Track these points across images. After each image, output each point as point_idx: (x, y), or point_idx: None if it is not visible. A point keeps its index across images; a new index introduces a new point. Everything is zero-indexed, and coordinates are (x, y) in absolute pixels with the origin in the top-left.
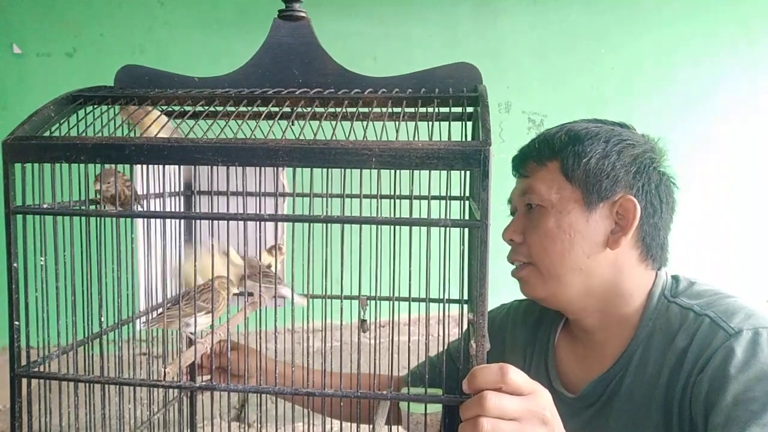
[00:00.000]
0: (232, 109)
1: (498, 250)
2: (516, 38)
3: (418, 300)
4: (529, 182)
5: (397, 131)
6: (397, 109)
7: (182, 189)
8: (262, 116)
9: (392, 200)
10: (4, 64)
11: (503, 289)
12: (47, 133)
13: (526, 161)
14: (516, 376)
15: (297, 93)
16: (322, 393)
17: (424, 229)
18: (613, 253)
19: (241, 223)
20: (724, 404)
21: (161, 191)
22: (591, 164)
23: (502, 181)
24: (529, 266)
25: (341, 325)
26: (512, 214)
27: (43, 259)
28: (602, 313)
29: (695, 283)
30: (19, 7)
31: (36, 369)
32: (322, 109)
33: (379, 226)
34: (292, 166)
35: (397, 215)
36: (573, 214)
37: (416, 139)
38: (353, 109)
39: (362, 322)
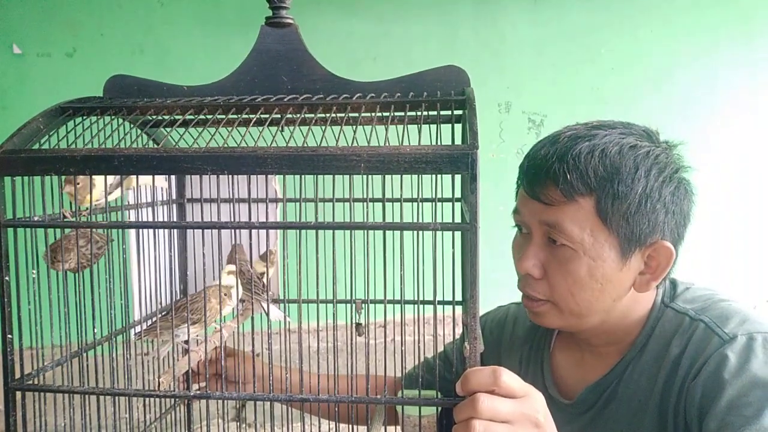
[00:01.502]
0: (222, 117)
1: (497, 251)
2: (516, 38)
3: (411, 302)
4: (556, 217)
5: (386, 135)
6: (386, 114)
7: (175, 197)
8: (251, 123)
9: (383, 203)
10: (4, 64)
11: (503, 289)
12: (36, 146)
13: (547, 186)
14: (509, 378)
15: (286, 100)
16: (316, 399)
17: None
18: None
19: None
20: (718, 409)
21: (153, 200)
22: (632, 209)
23: (501, 182)
24: (548, 303)
25: (335, 326)
26: (518, 226)
27: (35, 272)
28: (609, 333)
29: (691, 287)
30: (19, 7)
31: (30, 382)
32: (311, 115)
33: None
34: (282, 173)
35: (388, 218)
36: (608, 263)
37: (406, 143)
38: (342, 115)
39: (357, 325)
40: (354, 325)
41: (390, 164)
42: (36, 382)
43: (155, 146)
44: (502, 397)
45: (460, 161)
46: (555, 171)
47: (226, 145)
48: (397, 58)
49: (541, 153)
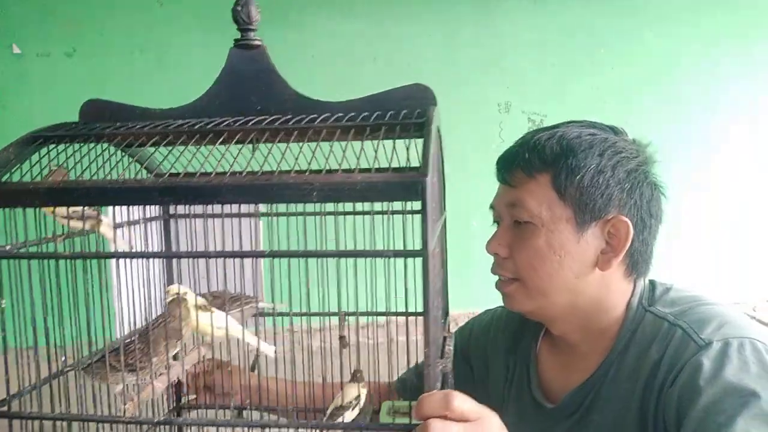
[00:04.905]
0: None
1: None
2: (516, 38)
3: (384, 314)
4: (517, 195)
5: (341, 162)
6: (349, 139)
7: (160, 213)
8: (218, 142)
9: (353, 217)
10: (4, 64)
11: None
12: (6, 176)
13: (512, 169)
14: (461, 402)
15: (250, 124)
16: (276, 424)
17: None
18: (601, 272)
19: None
20: (694, 416)
21: (138, 218)
22: (585, 181)
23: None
24: (516, 282)
25: (310, 343)
26: (496, 222)
27: (3, 301)
28: (585, 328)
29: (671, 289)
30: (19, 7)
31: (5, 408)
32: (271, 144)
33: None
34: (237, 202)
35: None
36: (564, 234)
37: (374, 165)
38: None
39: (341, 338)
40: (338, 338)
41: (342, 192)
42: (8, 409)
43: (137, 166)
44: (455, 422)
45: (411, 189)
46: (518, 154)
47: (189, 169)
48: (397, 58)
49: (512, 146)
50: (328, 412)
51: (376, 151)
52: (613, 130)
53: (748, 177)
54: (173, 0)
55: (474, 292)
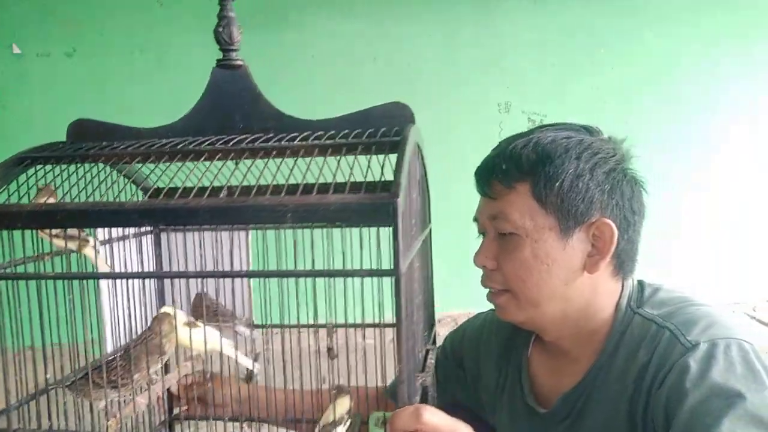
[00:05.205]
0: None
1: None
2: (516, 38)
3: (356, 325)
4: (499, 207)
5: (318, 177)
6: (327, 156)
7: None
8: (202, 159)
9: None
10: (4, 64)
11: None
12: None
13: (491, 181)
14: (431, 416)
15: (231, 144)
16: None
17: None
18: (589, 275)
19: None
20: (681, 418)
21: (129, 232)
22: (564, 187)
23: None
24: (506, 293)
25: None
26: (481, 234)
27: None
28: (575, 334)
29: (660, 290)
30: (19, 7)
31: None
32: (251, 160)
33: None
34: (214, 223)
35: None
36: (549, 243)
37: (351, 179)
38: (281, 159)
39: (329, 350)
40: (326, 349)
41: (316, 214)
42: None
43: (125, 180)
44: None
45: (382, 211)
46: (494, 165)
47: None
48: (397, 58)
49: (488, 156)
50: (317, 430)
51: (353, 166)
52: (588, 130)
53: (748, 177)
54: (173, 0)
55: (474, 292)
